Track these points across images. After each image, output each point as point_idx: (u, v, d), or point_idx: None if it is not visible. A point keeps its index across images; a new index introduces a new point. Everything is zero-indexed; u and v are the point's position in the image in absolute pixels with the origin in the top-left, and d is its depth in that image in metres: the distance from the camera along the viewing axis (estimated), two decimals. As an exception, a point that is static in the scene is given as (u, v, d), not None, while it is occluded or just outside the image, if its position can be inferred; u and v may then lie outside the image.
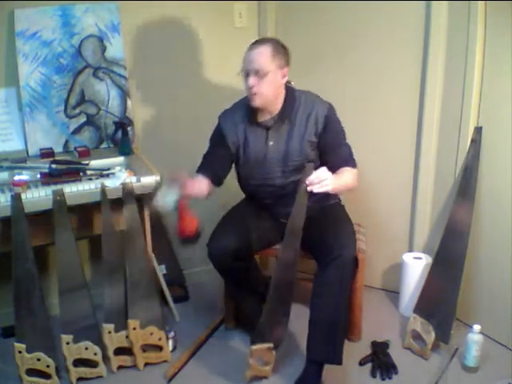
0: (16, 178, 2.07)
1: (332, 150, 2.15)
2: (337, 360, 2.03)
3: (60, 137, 2.42)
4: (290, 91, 2.15)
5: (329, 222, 2.19)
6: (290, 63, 2.10)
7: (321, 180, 1.90)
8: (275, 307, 2.06)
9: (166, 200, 1.93)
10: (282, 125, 2.13)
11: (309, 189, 1.93)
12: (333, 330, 2.02)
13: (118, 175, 2.16)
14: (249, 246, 2.16)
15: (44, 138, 2.38)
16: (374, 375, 2.17)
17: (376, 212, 2.72)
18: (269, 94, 2.06)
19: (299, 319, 2.37)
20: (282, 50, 2.06)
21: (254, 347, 2.08)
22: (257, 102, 2.07)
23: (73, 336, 2.08)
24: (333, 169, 2.18)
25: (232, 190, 2.56)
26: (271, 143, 2.15)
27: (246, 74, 2.05)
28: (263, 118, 2.16)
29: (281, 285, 2.04)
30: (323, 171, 1.94)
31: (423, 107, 2.46)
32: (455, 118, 2.36)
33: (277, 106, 2.13)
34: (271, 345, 2.07)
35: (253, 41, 2.09)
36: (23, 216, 1.97)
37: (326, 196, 2.25)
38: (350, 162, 2.16)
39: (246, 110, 2.18)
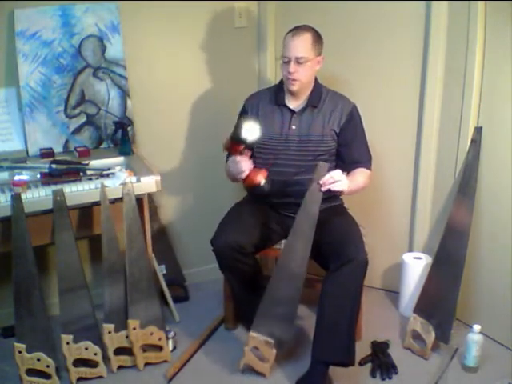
0: (16, 177, 2.06)
1: (349, 146, 2.23)
2: (346, 361, 2.03)
3: (60, 137, 2.41)
4: (317, 81, 2.26)
5: (337, 224, 2.21)
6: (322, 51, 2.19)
7: (335, 181, 1.94)
8: (274, 304, 2.07)
9: (249, 133, 2.05)
10: (307, 110, 2.22)
11: (323, 189, 1.96)
12: (343, 331, 2.02)
13: (118, 175, 2.16)
14: (252, 241, 2.16)
15: (44, 138, 2.38)
16: (373, 375, 2.17)
17: (376, 212, 2.72)
18: (306, 79, 2.17)
19: (303, 319, 2.38)
20: (319, 39, 2.17)
21: (252, 333, 2.08)
22: (295, 88, 2.17)
23: (73, 336, 2.08)
24: (347, 165, 2.20)
25: (236, 188, 2.56)
26: (293, 127, 2.22)
27: (287, 60, 2.12)
28: (290, 102, 2.24)
29: (282, 284, 2.05)
30: (338, 172, 1.98)
31: (423, 107, 2.47)
32: (455, 118, 2.36)
33: (307, 92, 2.21)
34: (270, 340, 2.07)
35: (292, 27, 2.16)
36: (23, 216, 1.97)
37: (330, 198, 2.26)
38: (365, 162, 2.24)
39: (274, 93, 2.28)
